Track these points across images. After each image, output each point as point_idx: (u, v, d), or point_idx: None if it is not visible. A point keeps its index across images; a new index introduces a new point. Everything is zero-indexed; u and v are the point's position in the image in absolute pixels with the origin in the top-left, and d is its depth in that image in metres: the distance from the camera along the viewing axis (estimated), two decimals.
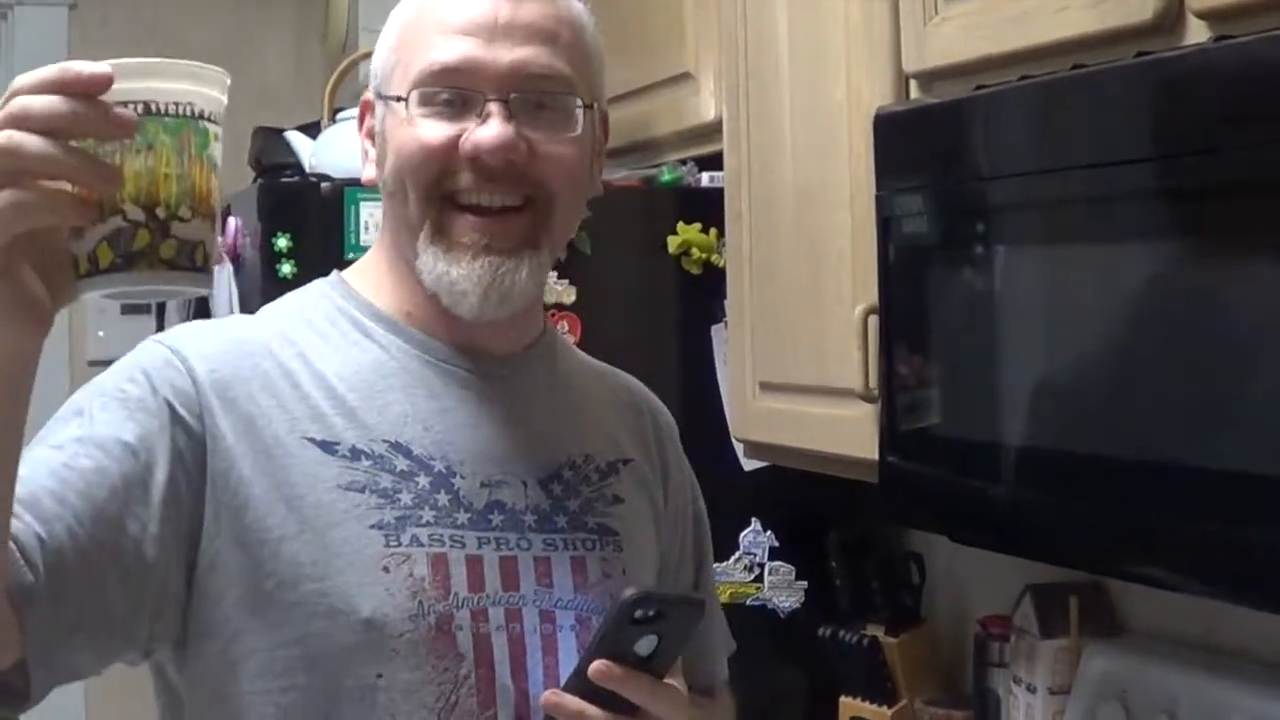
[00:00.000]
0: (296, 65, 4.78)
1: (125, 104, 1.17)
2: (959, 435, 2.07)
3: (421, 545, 1.58)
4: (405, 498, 1.60)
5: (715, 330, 2.93)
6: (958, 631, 2.86)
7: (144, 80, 1.19)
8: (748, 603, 2.91)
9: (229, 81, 1.27)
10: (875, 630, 2.86)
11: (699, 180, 3.00)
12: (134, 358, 1.61)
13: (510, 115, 1.61)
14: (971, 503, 2.05)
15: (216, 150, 1.25)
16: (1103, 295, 1.81)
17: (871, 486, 2.27)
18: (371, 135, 1.72)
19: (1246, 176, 1.57)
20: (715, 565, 2.83)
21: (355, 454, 1.60)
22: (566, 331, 2.84)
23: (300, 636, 1.54)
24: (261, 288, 2.73)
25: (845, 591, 2.93)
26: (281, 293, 2.61)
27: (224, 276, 2.93)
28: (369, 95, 1.73)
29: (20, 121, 1.15)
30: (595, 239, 2.85)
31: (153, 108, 1.19)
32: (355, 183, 2.76)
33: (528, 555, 1.64)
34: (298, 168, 2.98)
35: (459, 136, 1.61)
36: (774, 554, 2.91)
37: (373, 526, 1.57)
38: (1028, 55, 1.96)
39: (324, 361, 1.65)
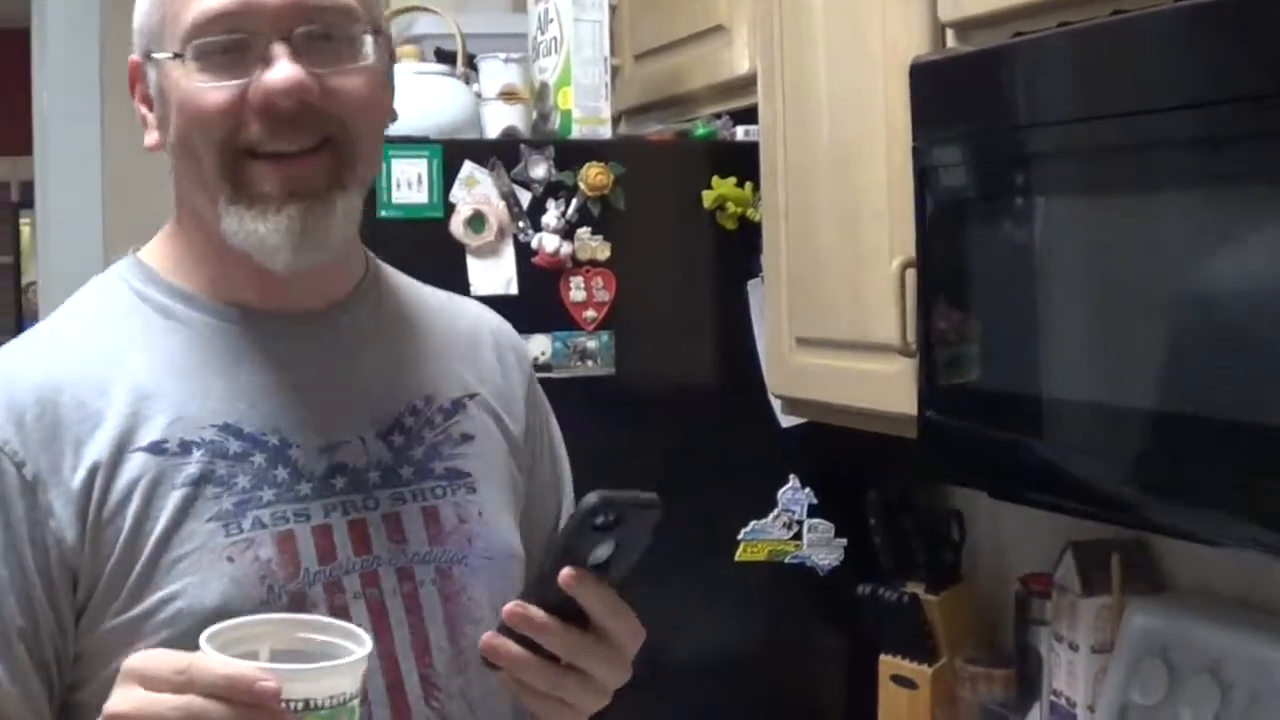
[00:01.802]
0: None
1: (286, 702, 1.29)
2: (999, 389, 2.05)
3: (265, 526, 1.50)
4: (242, 481, 1.51)
5: (751, 285, 2.91)
6: (999, 589, 2.85)
7: (304, 684, 1.30)
8: (786, 560, 2.90)
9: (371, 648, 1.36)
10: (915, 588, 2.85)
11: (733, 134, 2.98)
12: None
13: (296, 53, 1.49)
14: (1011, 458, 2.04)
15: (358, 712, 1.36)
16: (1145, 245, 1.78)
17: (911, 442, 2.25)
18: (147, 100, 1.59)
19: None
20: (754, 522, 2.83)
21: (185, 447, 1.50)
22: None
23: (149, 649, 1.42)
24: None
25: (885, 549, 2.91)
26: None
27: None
28: (136, 57, 1.58)
29: None
30: (629, 195, 2.84)
31: (311, 703, 1.30)
32: (386, 139, 2.72)
33: (376, 514, 1.57)
34: None
35: (246, 87, 1.49)
36: (812, 511, 2.89)
37: (210, 519, 1.49)
38: (1066, 1, 1.93)
39: (134, 361, 1.54)
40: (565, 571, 1.43)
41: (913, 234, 2.19)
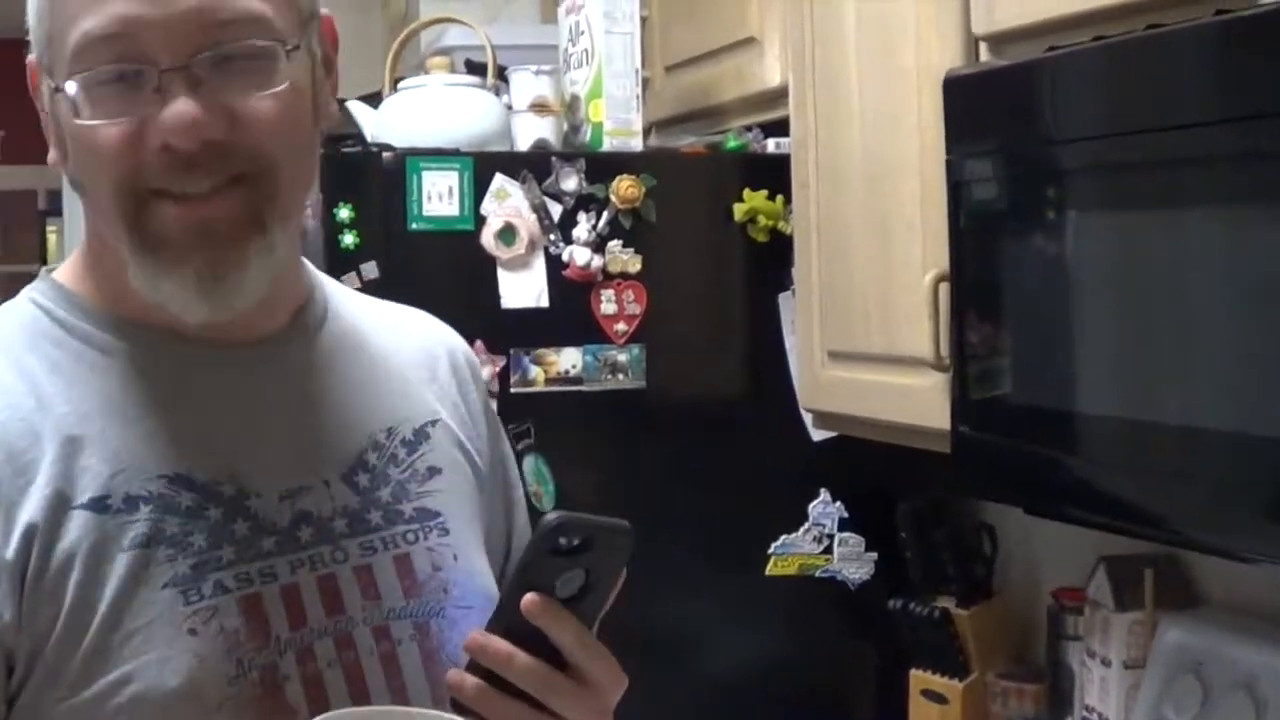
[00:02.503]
0: (357, 35, 4.75)
1: None
2: (1032, 404, 2.05)
3: (228, 591, 1.33)
4: (198, 539, 1.33)
5: (783, 298, 2.90)
6: (1030, 603, 2.84)
7: None
8: (817, 574, 2.89)
9: None
10: (946, 602, 2.84)
11: (764, 146, 2.97)
12: None
13: (196, 83, 1.28)
14: (1045, 473, 2.03)
15: None
16: (1179, 261, 1.78)
17: (942, 456, 2.25)
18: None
19: None
20: (785, 536, 2.83)
21: (131, 503, 1.32)
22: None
23: None
24: (324, 259, 2.71)
25: (916, 563, 2.90)
26: (344, 265, 2.61)
27: None
28: (32, 58, 1.37)
29: None
30: (660, 207, 2.84)
31: None
32: (417, 152, 2.75)
33: (346, 568, 1.40)
34: (359, 138, 2.97)
35: (142, 125, 1.29)
36: (843, 525, 2.89)
37: (166, 586, 1.31)
38: (1101, 15, 1.92)
39: (65, 402, 1.35)
40: (528, 598, 1.32)
41: (945, 247, 2.18)
